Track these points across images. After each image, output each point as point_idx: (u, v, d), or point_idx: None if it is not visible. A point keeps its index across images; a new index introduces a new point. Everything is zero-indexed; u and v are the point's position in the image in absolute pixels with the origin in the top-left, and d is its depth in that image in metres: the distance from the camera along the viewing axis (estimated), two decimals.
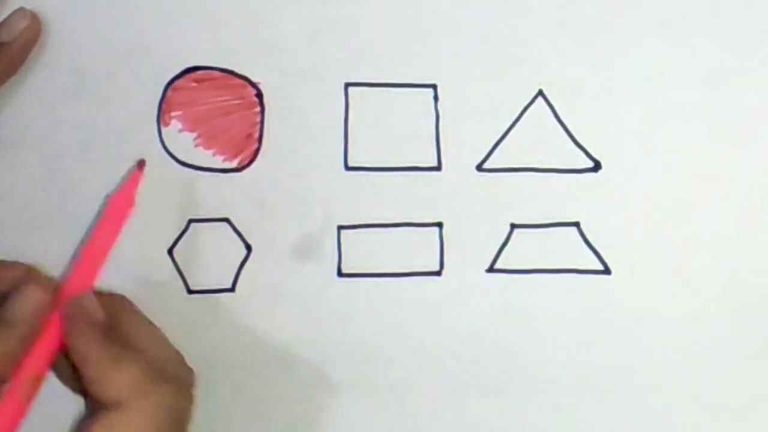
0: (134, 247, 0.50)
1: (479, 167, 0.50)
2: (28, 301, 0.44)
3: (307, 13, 0.51)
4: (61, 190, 0.50)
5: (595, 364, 0.50)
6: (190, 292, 0.50)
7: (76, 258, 0.49)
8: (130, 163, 0.50)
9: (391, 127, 0.51)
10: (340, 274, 0.50)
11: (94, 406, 0.43)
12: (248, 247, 0.50)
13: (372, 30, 0.51)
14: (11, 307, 0.44)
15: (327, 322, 0.50)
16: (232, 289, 0.50)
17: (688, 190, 0.50)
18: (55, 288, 0.46)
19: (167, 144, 0.51)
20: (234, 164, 0.50)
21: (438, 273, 0.50)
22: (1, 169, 0.51)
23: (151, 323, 0.47)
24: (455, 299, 0.50)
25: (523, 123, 0.51)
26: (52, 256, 0.50)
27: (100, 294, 0.47)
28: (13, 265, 0.49)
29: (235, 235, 0.50)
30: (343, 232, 0.50)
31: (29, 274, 0.46)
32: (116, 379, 0.43)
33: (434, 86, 0.51)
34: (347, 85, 0.51)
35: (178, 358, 0.46)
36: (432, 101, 0.51)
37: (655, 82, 0.50)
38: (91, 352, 0.44)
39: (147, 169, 0.50)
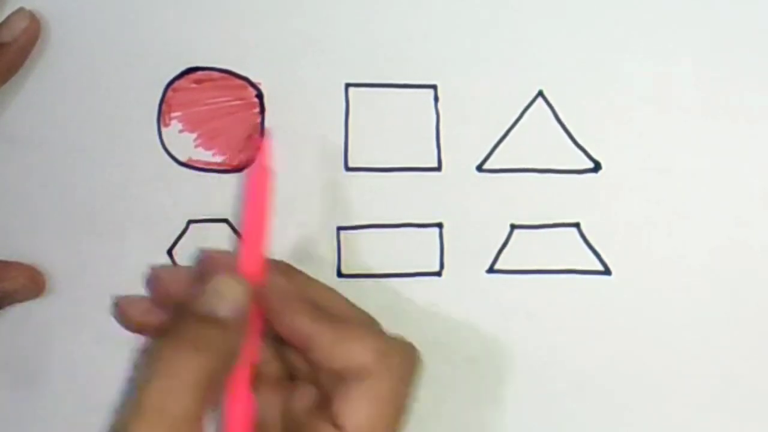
0: (134, 247, 0.50)
1: (479, 168, 0.50)
2: (234, 297, 0.42)
3: (307, 14, 0.51)
4: (61, 190, 0.50)
5: (594, 365, 0.50)
6: None
7: (239, 242, 0.45)
8: (131, 163, 0.50)
9: (391, 128, 0.51)
10: (339, 274, 0.50)
11: (328, 383, 0.43)
12: None
13: (372, 30, 0.51)
14: (217, 306, 0.42)
15: None
16: None
17: (688, 190, 0.50)
18: (246, 276, 0.43)
19: (167, 144, 0.51)
20: (234, 165, 0.50)
21: (438, 273, 0.50)
22: (1, 169, 0.51)
23: (324, 284, 0.45)
24: (455, 299, 0.50)
25: (523, 123, 0.50)
26: (52, 256, 0.50)
27: (279, 268, 0.44)
28: (14, 265, 0.49)
29: (234, 236, 0.50)
30: (343, 232, 0.50)
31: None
32: (359, 349, 0.42)
33: (434, 86, 0.51)
34: (347, 85, 0.51)
35: (371, 318, 0.46)
36: (432, 101, 0.51)
37: (655, 82, 0.50)
38: (317, 330, 0.42)
39: (147, 169, 0.50)
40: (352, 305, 0.45)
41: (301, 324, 0.43)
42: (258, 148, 0.45)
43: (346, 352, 0.42)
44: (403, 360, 0.43)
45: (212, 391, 0.39)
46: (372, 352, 0.42)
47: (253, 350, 0.43)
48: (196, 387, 0.38)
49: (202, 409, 0.38)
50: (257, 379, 0.43)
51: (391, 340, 0.44)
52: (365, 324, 0.44)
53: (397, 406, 0.42)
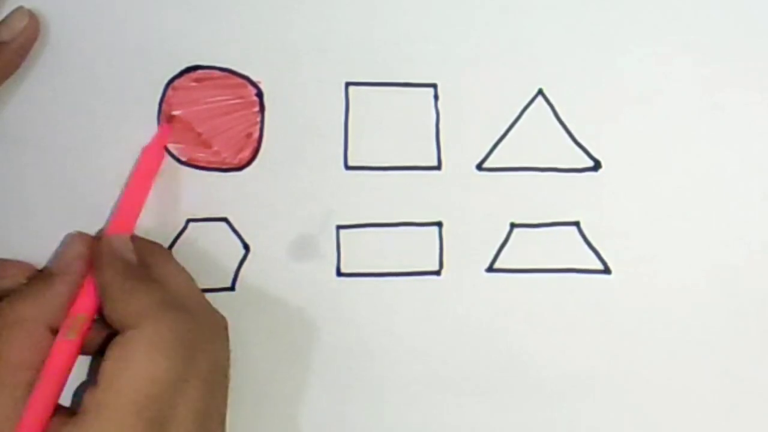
0: None
1: (479, 167, 0.50)
2: (69, 252, 0.48)
3: (307, 13, 0.51)
4: (61, 190, 0.50)
5: (594, 364, 0.50)
6: None
7: (114, 211, 0.50)
8: (131, 162, 0.50)
9: (391, 127, 0.51)
10: (339, 273, 0.50)
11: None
12: (246, 247, 0.50)
13: (372, 29, 0.51)
14: (55, 260, 0.48)
15: (326, 321, 0.50)
16: (232, 288, 0.50)
17: (688, 189, 0.50)
18: (96, 239, 0.49)
19: (167, 143, 0.51)
20: (233, 164, 0.50)
21: (437, 272, 0.50)
22: (1, 168, 0.51)
23: (183, 269, 0.49)
24: (455, 299, 0.50)
25: (523, 123, 0.50)
26: (51, 254, 0.50)
27: (138, 239, 0.48)
28: (13, 264, 0.49)
29: (233, 235, 0.50)
30: (343, 231, 0.50)
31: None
32: (128, 306, 0.45)
33: (434, 86, 0.51)
34: (347, 84, 0.51)
35: (199, 298, 0.48)
36: (432, 100, 0.51)
37: (655, 82, 0.50)
38: (110, 284, 0.46)
39: None
40: (190, 285, 0.48)
41: (99, 276, 0.46)
42: (159, 132, 0.50)
43: (120, 308, 0.45)
44: (170, 322, 0.44)
45: (42, 333, 0.45)
46: (138, 312, 0.44)
47: (89, 302, 0.46)
48: (26, 332, 0.45)
49: (35, 353, 0.44)
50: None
51: (172, 302, 0.45)
52: (155, 287, 0.46)
53: (148, 373, 0.43)
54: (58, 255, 0.49)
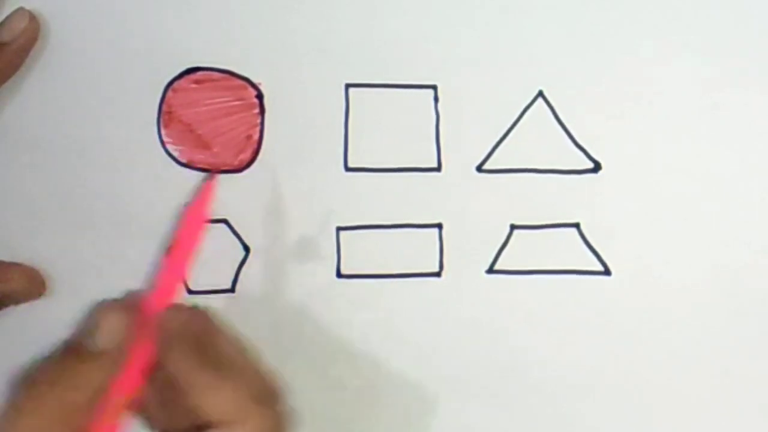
0: (134, 247, 0.50)
1: (479, 168, 0.50)
2: (108, 327, 0.42)
3: (307, 14, 0.51)
4: (61, 190, 0.50)
5: (595, 365, 0.50)
6: (190, 292, 0.50)
7: (155, 276, 0.45)
8: (131, 163, 0.50)
9: (391, 128, 0.51)
10: (339, 275, 0.50)
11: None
12: (246, 248, 0.50)
13: (372, 30, 0.51)
14: (98, 336, 0.42)
15: (326, 323, 0.50)
16: (232, 290, 0.50)
17: (688, 190, 0.50)
18: (135, 309, 0.43)
19: (167, 144, 0.51)
20: (233, 165, 0.50)
21: (438, 274, 0.50)
22: (1, 168, 0.51)
23: (239, 337, 0.45)
24: (455, 300, 0.50)
25: (523, 123, 0.50)
26: (52, 256, 0.50)
27: (182, 308, 0.44)
28: (14, 266, 0.49)
29: (233, 236, 0.50)
30: (343, 233, 0.50)
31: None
32: (217, 401, 0.42)
33: (434, 87, 0.51)
34: (347, 85, 0.51)
35: (272, 376, 0.45)
36: (432, 102, 0.51)
37: (655, 83, 0.50)
38: (191, 376, 0.42)
39: (146, 169, 0.50)
40: (258, 361, 0.45)
41: (176, 364, 0.42)
42: (203, 189, 0.45)
43: (206, 403, 0.42)
44: (260, 421, 0.42)
45: (76, 420, 0.40)
46: (227, 410, 0.42)
47: (133, 382, 0.43)
48: (60, 415, 0.40)
49: None
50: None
51: (259, 396, 0.43)
52: (243, 381, 0.43)
53: None
54: (94, 327, 0.43)
